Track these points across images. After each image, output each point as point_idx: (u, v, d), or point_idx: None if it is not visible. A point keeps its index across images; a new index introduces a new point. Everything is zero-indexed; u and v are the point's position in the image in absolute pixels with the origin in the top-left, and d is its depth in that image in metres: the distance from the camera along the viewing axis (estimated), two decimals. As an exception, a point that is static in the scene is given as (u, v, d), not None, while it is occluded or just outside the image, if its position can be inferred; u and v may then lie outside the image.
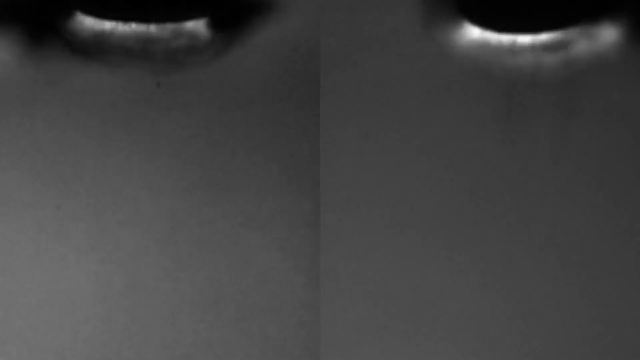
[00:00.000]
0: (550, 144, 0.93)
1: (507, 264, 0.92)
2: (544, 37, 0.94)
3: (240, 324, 0.93)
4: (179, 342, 0.93)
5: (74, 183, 0.95)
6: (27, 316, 0.93)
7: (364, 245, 0.92)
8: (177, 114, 0.95)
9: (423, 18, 0.92)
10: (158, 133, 0.95)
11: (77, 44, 0.97)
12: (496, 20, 0.93)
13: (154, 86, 0.95)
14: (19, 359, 0.92)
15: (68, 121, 0.95)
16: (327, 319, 0.91)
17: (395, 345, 0.92)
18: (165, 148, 0.95)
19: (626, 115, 0.93)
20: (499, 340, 0.92)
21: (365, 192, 0.93)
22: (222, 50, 0.95)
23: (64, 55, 0.96)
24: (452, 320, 0.92)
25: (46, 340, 0.93)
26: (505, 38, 0.94)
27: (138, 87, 0.96)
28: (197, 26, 0.95)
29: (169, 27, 0.96)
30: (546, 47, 0.93)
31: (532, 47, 0.93)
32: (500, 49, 0.93)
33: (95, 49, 0.97)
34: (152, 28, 0.96)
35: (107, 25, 0.97)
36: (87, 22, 0.97)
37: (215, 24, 0.94)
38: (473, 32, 0.94)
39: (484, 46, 0.93)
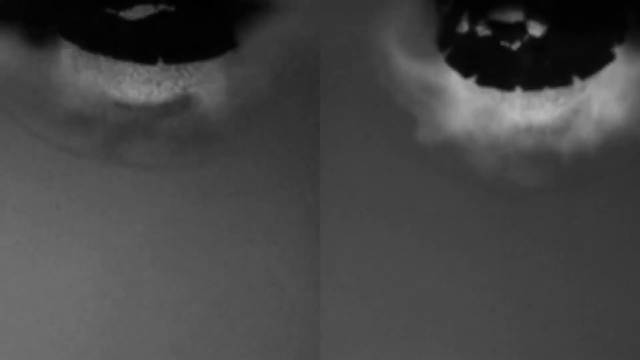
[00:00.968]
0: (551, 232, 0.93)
1: (507, 263, 0.92)
2: (549, 119, 0.94)
3: (240, 324, 0.92)
4: (180, 343, 0.92)
5: (75, 183, 0.95)
6: (27, 316, 0.93)
7: (364, 245, 0.92)
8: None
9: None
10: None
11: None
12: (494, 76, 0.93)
13: None
14: (19, 359, 0.92)
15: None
16: (327, 319, 0.91)
17: (395, 345, 0.92)
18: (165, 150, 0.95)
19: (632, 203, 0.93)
20: (498, 340, 0.92)
21: (365, 192, 0.93)
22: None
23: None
24: (451, 320, 0.92)
25: (46, 340, 0.93)
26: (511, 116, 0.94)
27: None
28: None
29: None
30: (552, 131, 0.93)
31: (538, 130, 0.93)
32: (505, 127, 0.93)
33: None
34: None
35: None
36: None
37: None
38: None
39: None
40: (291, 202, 0.93)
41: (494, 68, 0.92)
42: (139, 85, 0.95)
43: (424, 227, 0.93)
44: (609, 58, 0.92)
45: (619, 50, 0.93)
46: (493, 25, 0.92)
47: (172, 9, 0.93)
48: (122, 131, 0.95)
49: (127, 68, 0.95)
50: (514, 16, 0.91)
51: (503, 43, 0.91)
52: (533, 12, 0.91)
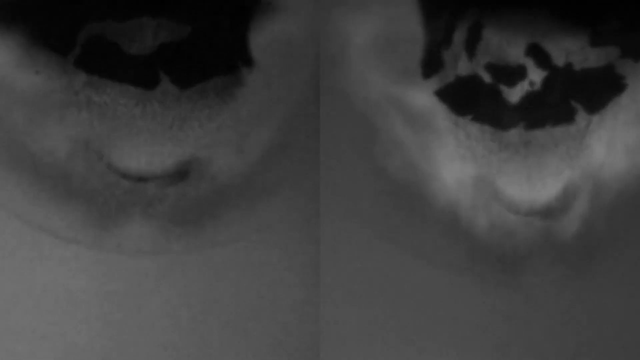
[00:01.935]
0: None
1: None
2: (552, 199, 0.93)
3: (240, 324, 0.93)
4: (179, 343, 0.92)
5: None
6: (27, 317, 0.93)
7: (363, 245, 0.92)
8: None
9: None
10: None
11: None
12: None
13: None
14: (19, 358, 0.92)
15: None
16: (327, 319, 0.91)
17: (395, 345, 0.92)
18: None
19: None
20: (498, 341, 0.92)
21: (366, 192, 0.93)
22: None
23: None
24: (451, 319, 0.92)
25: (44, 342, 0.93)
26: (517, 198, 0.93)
27: None
28: None
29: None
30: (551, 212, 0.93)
31: (540, 213, 0.93)
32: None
33: None
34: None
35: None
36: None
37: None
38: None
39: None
40: (291, 202, 0.94)
41: (491, 109, 0.91)
42: (140, 147, 0.93)
43: (423, 225, 0.93)
44: (617, 89, 0.92)
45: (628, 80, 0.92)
46: (492, 68, 0.90)
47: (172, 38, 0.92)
48: (119, 208, 0.93)
49: (124, 124, 0.93)
50: (513, 58, 0.90)
51: (502, 87, 0.90)
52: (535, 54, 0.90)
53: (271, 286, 0.93)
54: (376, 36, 0.91)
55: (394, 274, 0.93)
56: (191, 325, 0.92)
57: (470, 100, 0.90)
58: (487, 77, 0.90)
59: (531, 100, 0.90)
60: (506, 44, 0.89)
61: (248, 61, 0.92)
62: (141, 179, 0.93)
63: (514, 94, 0.90)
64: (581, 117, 0.91)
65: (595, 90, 0.91)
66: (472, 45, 0.90)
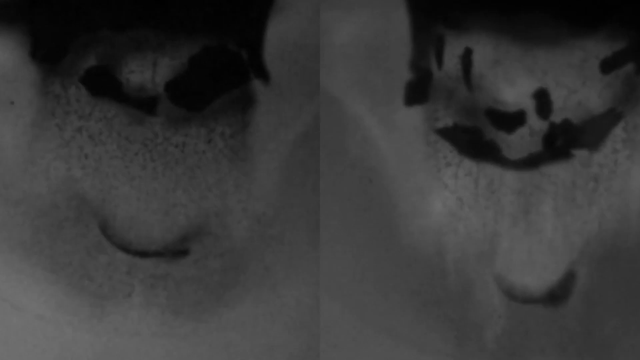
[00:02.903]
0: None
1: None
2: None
3: (240, 324, 0.92)
4: (180, 342, 0.92)
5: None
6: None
7: (364, 245, 0.91)
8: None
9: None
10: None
11: None
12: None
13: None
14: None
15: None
16: (327, 318, 0.91)
17: (395, 345, 0.92)
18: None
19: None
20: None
21: (366, 192, 0.91)
22: None
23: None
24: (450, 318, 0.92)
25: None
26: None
27: None
28: None
29: None
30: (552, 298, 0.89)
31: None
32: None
33: None
34: None
35: None
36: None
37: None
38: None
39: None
40: (291, 201, 0.91)
41: (490, 150, 0.88)
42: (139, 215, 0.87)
43: (421, 224, 0.91)
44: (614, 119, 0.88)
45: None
46: (492, 114, 0.86)
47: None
48: (116, 288, 0.87)
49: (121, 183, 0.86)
50: (513, 105, 0.86)
51: (501, 132, 0.87)
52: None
53: (270, 286, 0.91)
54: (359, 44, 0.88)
55: (394, 273, 0.91)
56: (191, 325, 0.91)
57: (469, 140, 0.88)
58: (488, 130, 0.87)
59: (532, 160, 0.87)
60: (507, 84, 0.86)
61: (262, 73, 0.88)
62: (141, 253, 0.88)
63: (514, 151, 0.87)
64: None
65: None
66: (466, 71, 0.86)
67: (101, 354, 0.89)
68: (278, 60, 0.87)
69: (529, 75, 0.85)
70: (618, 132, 0.88)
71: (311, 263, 0.91)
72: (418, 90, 0.88)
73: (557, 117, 0.86)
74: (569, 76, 0.85)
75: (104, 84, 0.84)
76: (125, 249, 0.88)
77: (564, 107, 0.86)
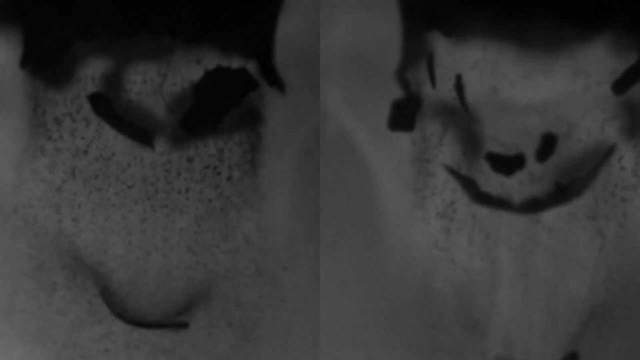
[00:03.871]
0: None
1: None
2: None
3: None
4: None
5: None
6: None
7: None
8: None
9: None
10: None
11: None
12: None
13: None
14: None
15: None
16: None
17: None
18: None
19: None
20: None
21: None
22: None
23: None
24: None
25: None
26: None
27: None
28: None
29: None
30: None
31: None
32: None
33: None
34: None
35: None
36: None
37: None
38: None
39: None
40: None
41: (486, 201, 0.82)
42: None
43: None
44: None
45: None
46: (491, 157, 0.81)
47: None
48: None
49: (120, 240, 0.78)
50: (513, 149, 0.81)
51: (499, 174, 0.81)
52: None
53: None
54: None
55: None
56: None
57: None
58: (485, 177, 0.82)
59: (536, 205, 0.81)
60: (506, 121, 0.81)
61: (276, 81, 0.81)
62: (140, 323, 0.79)
63: (515, 195, 0.81)
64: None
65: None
66: (461, 97, 0.81)
67: None
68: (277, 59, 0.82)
69: (529, 113, 0.79)
70: (627, 176, 0.81)
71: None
72: (404, 114, 0.83)
73: (556, 158, 0.80)
74: (571, 108, 0.79)
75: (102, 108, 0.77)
76: (123, 317, 0.79)
77: (564, 144, 0.80)
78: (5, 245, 0.78)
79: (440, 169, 0.82)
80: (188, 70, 0.78)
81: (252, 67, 0.79)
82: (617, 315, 0.81)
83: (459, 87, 0.80)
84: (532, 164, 0.80)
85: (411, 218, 0.83)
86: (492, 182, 0.81)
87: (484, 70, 0.79)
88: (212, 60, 0.78)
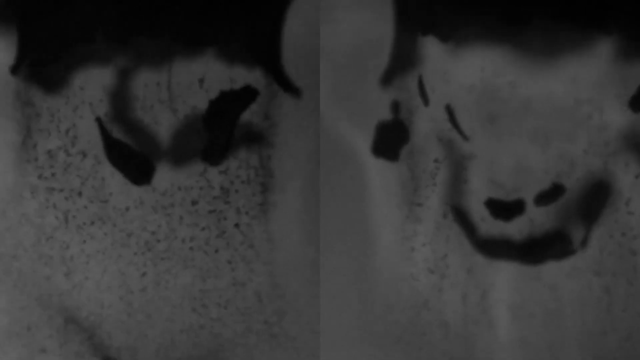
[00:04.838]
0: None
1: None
2: None
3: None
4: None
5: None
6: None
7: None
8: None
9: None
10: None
11: None
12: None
13: None
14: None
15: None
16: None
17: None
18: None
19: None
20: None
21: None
22: None
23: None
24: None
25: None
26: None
27: None
28: None
29: None
30: None
31: None
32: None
33: None
34: None
35: None
36: None
37: None
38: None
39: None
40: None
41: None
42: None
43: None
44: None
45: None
46: (490, 204, 0.74)
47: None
48: None
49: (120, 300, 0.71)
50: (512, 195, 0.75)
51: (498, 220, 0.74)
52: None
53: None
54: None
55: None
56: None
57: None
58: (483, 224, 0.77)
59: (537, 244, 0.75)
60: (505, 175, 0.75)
61: (290, 87, 0.77)
62: None
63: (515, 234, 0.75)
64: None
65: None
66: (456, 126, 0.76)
67: None
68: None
69: (530, 146, 0.73)
70: (636, 223, 0.73)
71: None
72: (388, 142, 0.79)
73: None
74: (573, 145, 0.73)
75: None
76: None
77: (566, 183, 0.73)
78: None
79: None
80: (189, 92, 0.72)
81: (257, 74, 0.75)
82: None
83: (450, 111, 0.74)
84: (532, 210, 0.73)
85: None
86: (490, 226, 0.75)
87: (480, 98, 0.74)
88: (215, 70, 0.73)
